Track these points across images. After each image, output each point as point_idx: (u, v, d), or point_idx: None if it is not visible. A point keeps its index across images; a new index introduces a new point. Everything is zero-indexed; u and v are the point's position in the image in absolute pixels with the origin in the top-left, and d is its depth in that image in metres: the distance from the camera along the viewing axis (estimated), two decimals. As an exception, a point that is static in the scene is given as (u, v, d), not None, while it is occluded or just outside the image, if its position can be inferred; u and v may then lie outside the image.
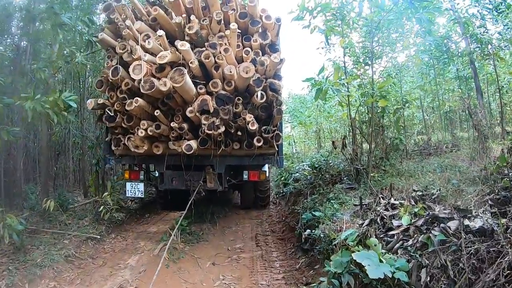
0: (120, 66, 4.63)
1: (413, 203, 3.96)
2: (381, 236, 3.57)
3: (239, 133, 4.93)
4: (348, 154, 6.13)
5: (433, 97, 9.39)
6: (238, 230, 6.67)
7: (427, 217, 3.31)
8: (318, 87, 4.35)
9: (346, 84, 5.90)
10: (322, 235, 4.23)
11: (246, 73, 4.51)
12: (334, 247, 3.79)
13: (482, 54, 7.81)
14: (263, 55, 5.16)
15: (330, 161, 7.52)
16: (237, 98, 4.81)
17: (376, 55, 6.87)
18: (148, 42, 4.38)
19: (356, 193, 5.33)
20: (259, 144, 5.01)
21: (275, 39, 5.48)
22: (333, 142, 7.55)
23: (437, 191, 4.17)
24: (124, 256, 5.17)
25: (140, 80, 4.17)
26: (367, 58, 6.46)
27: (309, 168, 7.64)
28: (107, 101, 4.99)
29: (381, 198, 4.32)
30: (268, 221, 7.37)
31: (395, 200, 4.28)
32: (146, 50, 4.50)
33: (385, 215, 3.86)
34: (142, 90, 4.38)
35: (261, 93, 4.76)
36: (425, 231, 3.13)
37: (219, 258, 5.11)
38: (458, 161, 6.58)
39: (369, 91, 5.65)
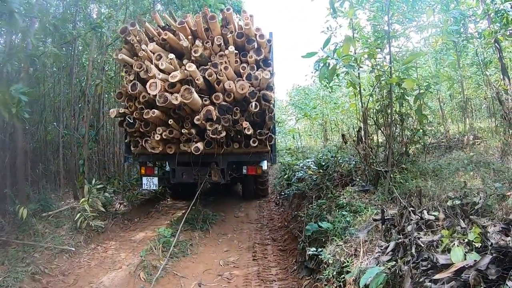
0: (137, 82, 5.43)
1: (449, 216, 2.79)
2: (420, 279, 2.14)
3: (238, 136, 5.74)
4: (362, 150, 5.25)
5: (450, 84, 8.67)
6: (234, 238, 5.91)
7: (493, 252, 1.94)
8: (324, 63, 3.83)
9: (358, 62, 5.02)
10: (331, 260, 3.15)
11: (242, 89, 5.37)
12: (346, 282, 2.69)
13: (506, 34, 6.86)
14: (258, 69, 5.79)
15: (339, 158, 6.41)
16: (235, 108, 5.55)
17: (392, 34, 5.89)
18: (162, 63, 5.26)
19: (372, 197, 4.31)
20: (255, 145, 5.73)
21: (268, 55, 6.06)
22: (343, 136, 6.52)
23: (480, 199, 3.09)
24: (100, 273, 4.55)
25: (156, 95, 5.07)
26: (380, 37, 5.72)
27: (314, 167, 6.57)
28: (126, 110, 5.73)
29: (410, 212, 2.95)
30: (269, 226, 6.57)
31: (428, 213, 2.98)
32: (159, 69, 5.30)
33: (419, 239, 2.53)
34: (157, 103, 5.20)
35: (255, 104, 5.51)
36: (495, 279, 1.75)
37: (208, 277, 4.47)
38: (487, 156, 5.80)
39: (387, 71, 4.81)
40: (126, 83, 5.95)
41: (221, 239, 6.03)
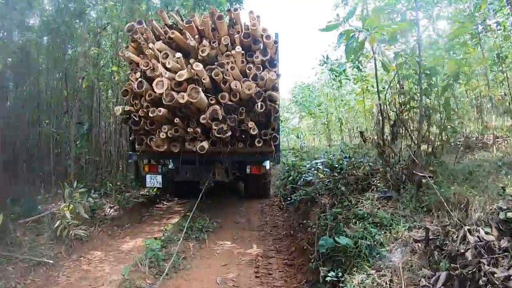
0: (144, 80, 5.45)
1: (504, 232, 2.07)
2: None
3: (243, 136, 5.75)
4: (379, 148, 4.39)
5: (466, 79, 7.04)
6: (234, 249, 4.99)
7: None
8: (350, 36, 3.10)
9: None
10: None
11: (248, 90, 5.36)
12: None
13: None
14: (264, 69, 5.76)
15: (354, 159, 5.41)
16: (241, 108, 5.56)
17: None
18: (168, 62, 5.23)
19: (397, 206, 3.29)
20: (259, 145, 5.70)
21: (274, 56, 6.01)
22: (361, 134, 5.61)
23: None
24: (77, 292, 3.33)
25: (162, 93, 5.08)
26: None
27: (326, 169, 5.62)
28: (132, 108, 5.76)
29: (466, 231, 2.15)
30: (273, 235, 5.70)
31: (485, 232, 2.15)
32: (166, 68, 5.32)
33: (493, 274, 1.74)
34: (164, 102, 5.17)
35: (261, 104, 5.52)
36: None
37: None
38: (516, 157, 4.40)
39: (411, 57, 3.89)
40: (132, 81, 5.95)
41: (219, 250, 5.09)
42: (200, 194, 6.13)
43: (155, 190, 7.95)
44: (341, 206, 3.96)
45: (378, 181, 4.49)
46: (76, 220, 5.04)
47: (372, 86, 6.27)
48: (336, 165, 5.72)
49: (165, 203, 8.08)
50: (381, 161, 4.71)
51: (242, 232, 6.01)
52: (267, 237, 5.80)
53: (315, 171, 6.20)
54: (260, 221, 6.71)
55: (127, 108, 6.13)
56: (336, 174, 5.41)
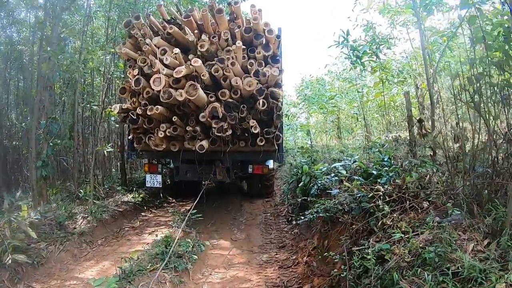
0: (141, 77, 5.34)
1: None
2: None
3: (244, 134, 5.67)
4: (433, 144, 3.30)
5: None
6: (226, 284, 3.55)
7: None
8: None
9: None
10: None
11: (249, 86, 5.19)
12: None
13: None
14: (266, 65, 5.53)
15: (398, 162, 3.77)
16: (242, 105, 5.38)
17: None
18: (166, 58, 5.07)
19: (477, 239, 1.84)
20: (261, 144, 5.53)
21: (276, 51, 5.78)
22: (420, 121, 3.62)
23: None
24: None
25: (160, 90, 4.95)
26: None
27: (356, 176, 3.85)
28: (130, 105, 5.69)
29: None
30: (280, 260, 4.17)
31: None
32: (164, 64, 5.20)
33: None
34: (161, 100, 4.97)
35: (262, 101, 5.33)
36: None
37: None
38: None
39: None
40: (130, 78, 5.66)
41: (205, 285, 3.62)
42: (196, 200, 5.89)
43: (141, 195, 6.98)
44: (383, 233, 2.45)
45: (435, 196, 2.93)
46: (19, 240, 3.72)
47: (392, 76, 5.58)
48: (373, 171, 3.92)
49: (153, 211, 6.71)
50: (440, 166, 3.52)
51: (240, 256, 4.51)
52: (271, 264, 4.25)
53: (335, 177, 4.67)
54: (263, 237, 5.31)
55: (124, 106, 5.69)
56: (368, 184, 3.62)
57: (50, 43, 5.46)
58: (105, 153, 5.90)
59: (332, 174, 4.83)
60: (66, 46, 6.16)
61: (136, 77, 5.41)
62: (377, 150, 4.87)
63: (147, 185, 6.32)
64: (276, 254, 4.69)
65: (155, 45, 5.36)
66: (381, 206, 2.82)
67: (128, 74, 5.87)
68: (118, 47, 5.74)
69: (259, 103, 5.48)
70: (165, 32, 5.56)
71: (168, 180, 6.73)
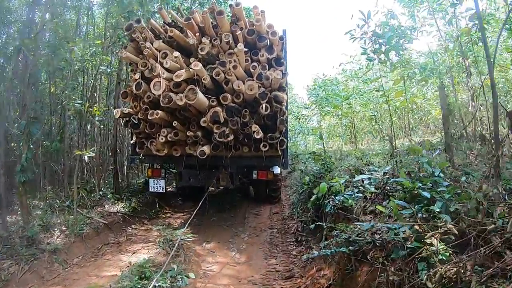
0: (142, 81, 5.29)
1: None
2: None
3: (247, 139, 5.60)
4: None
5: None
6: None
7: None
8: None
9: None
10: None
11: (251, 90, 5.09)
12: None
13: None
14: (270, 68, 5.43)
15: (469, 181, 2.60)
16: (244, 110, 5.29)
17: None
18: (166, 62, 5.03)
19: None
20: (265, 149, 5.45)
21: (280, 54, 5.66)
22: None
23: None
24: None
25: (160, 95, 4.90)
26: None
27: (397, 201, 2.43)
28: (131, 110, 5.65)
29: None
30: None
31: None
32: (164, 68, 5.16)
33: None
34: (161, 104, 4.97)
35: (265, 105, 5.23)
36: None
37: None
38: None
39: None
40: (131, 82, 5.56)
41: None
42: (201, 201, 5.83)
43: (133, 204, 6.39)
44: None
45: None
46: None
47: (415, 73, 4.90)
48: (424, 192, 2.50)
49: (145, 222, 6.00)
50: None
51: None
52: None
53: (359, 193, 3.56)
54: (266, 263, 4.27)
55: (126, 110, 5.80)
56: (425, 211, 2.38)
57: (21, 33, 5.09)
58: (86, 158, 5.34)
59: (355, 190, 3.70)
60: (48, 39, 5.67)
61: (137, 81, 5.38)
62: (422, 159, 3.20)
63: (150, 190, 6.24)
64: (283, 288, 3.00)
65: (156, 49, 5.30)
66: (438, 250, 1.80)
67: (130, 78, 5.85)
68: (120, 51, 5.83)
69: (262, 108, 5.36)
70: (167, 35, 5.54)
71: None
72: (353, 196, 3.51)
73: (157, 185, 5.94)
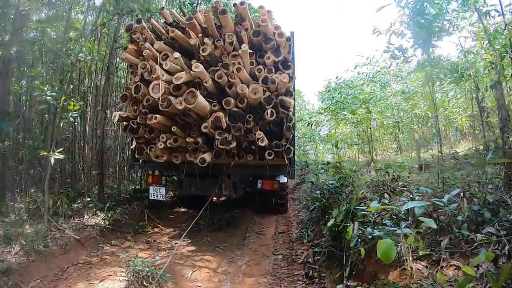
0: (141, 84, 5.08)
1: None
2: None
3: (251, 147, 5.30)
4: None
5: None
6: None
7: None
8: None
9: None
10: None
11: (255, 94, 4.85)
12: None
13: None
14: (276, 71, 5.17)
15: None
16: (248, 115, 5.02)
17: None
18: (166, 63, 4.82)
19: None
20: (270, 157, 5.14)
21: (287, 56, 5.39)
22: None
23: None
24: None
25: (159, 98, 4.69)
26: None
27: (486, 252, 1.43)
28: (130, 114, 5.48)
29: None
30: None
31: None
32: (164, 70, 4.96)
33: None
34: (160, 108, 4.76)
35: (271, 111, 4.96)
36: None
37: None
38: None
39: None
40: (131, 85, 5.42)
41: None
42: (201, 211, 5.49)
43: (117, 216, 5.84)
44: None
45: None
46: None
47: (445, 74, 4.53)
48: None
49: (128, 238, 5.31)
50: None
51: None
52: None
53: (407, 228, 2.35)
54: None
55: (124, 114, 5.58)
56: None
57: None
58: (52, 160, 4.63)
59: (403, 225, 2.16)
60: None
61: (136, 83, 5.17)
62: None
63: (150, 198, 6.06)
64: None
65: (157, 50, 5.09)
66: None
67: (129, 81, 5.70)
68: (120, 52, 5.73)
69: (267, 113, 5.06)
70: (168, 36, 5.31)
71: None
72: (396, 232, 2.30)
73: (157, 193, 5.67)
